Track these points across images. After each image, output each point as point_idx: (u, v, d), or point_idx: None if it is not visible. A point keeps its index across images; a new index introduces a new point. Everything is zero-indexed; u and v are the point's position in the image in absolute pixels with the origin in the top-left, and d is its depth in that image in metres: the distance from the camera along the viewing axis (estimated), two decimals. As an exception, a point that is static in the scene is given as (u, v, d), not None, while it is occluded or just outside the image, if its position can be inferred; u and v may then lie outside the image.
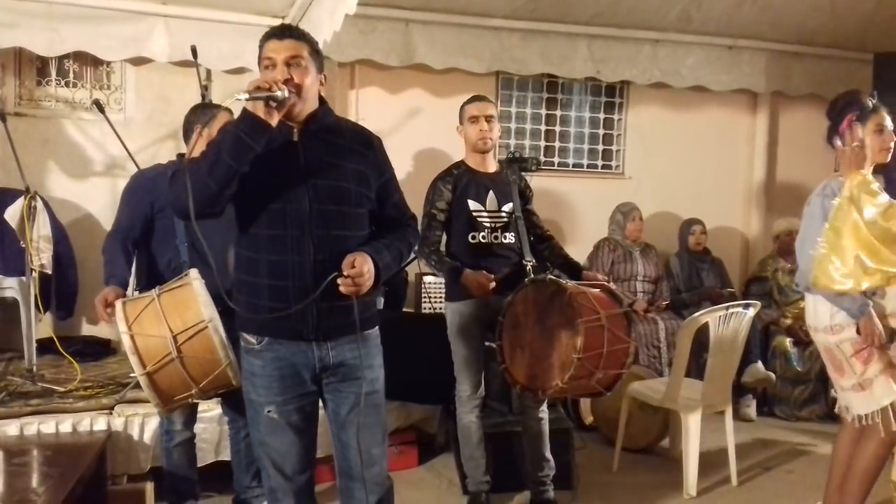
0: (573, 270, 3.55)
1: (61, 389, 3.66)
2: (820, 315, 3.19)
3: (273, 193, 2.20)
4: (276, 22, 4.65)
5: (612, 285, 3.36)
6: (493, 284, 3.31)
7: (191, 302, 2.60)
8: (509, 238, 3.51)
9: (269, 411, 2.28)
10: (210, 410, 3.51)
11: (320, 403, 2.40)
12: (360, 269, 2.16)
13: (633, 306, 4.96)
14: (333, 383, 2.34)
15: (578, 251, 5.33)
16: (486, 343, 3.47)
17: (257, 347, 2.28)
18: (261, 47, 2.25)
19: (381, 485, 2.39)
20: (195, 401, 2.86)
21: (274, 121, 2.11)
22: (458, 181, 3.50)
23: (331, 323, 2.27)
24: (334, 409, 2.37)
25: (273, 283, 2.22)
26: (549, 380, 3.08)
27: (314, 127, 2.28)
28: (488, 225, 3.49)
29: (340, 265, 2.17)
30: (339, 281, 2.16)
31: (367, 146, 2.37)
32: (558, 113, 5.92)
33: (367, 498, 2.35)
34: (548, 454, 3.57)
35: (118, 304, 2.63)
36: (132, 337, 2.52)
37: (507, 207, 3.53)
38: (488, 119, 3.49)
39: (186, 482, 3.25)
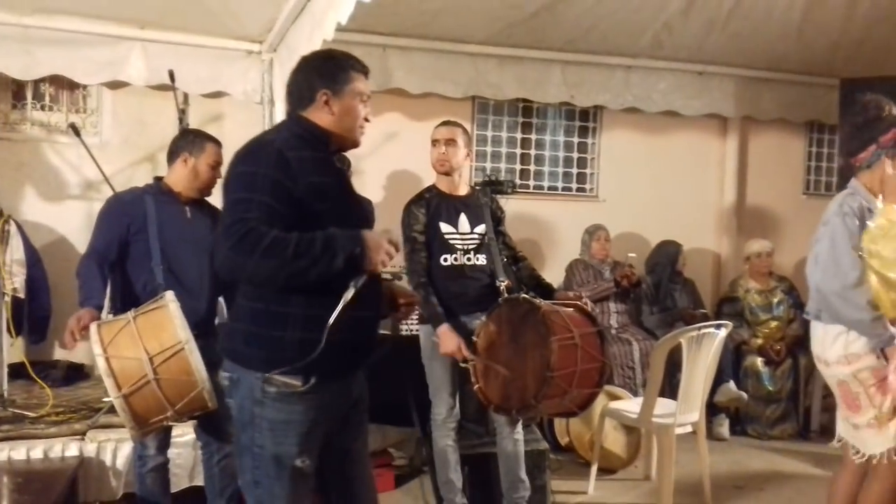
0: (545, 291, 3.58)
1: (32, 415, 3.62)
2: (832, 345, 2.94)
3: (338, 221, 2.05)
4: (254, 47, 4.70)
5: (585, 304, 3.38)
6: (463, 356, 3.28)
7: (167, 324, 2.59)
8: (482, 260, 3.54)
9: (302, 461, 2.09)
10: (184, 435, 3.48)
11: None
12: (416, 299, 2.27)
13: (619, 278, 5.06)
14: (348, 416, 2.26)
15: (553, 272, 5.39)
16: (462, 364, 3.49)
17: (301, 390, 2.06)
18: (352, 77, 2.21)
19: None
20: (171, 423, 2.84)
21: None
22: (430, 204, 3.54)
23: (370, 351, 2.26)
24: (341, 446, 2.27)
25: (350, 313, 2.00)
26: (523, 399, 3.09)
27: (337, 156, 2.30)
28: (460, 247, 3.52)
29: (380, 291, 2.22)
30: (403, 310, 2.26)
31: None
32: (533, 137, 5.99)
33: None
34: (523, 475, 3.58)
35: (93, 326, 2.62)
36: (108, 359, 2.51)
37: (480, 229, 3.57)
38: (448, 142, 3.53)
39: (160, 507, 3.22)
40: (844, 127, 5.48)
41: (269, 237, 1.91)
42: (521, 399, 3.12)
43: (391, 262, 2.07)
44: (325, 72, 2.21)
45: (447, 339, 3.31)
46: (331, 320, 1.96)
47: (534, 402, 3.03)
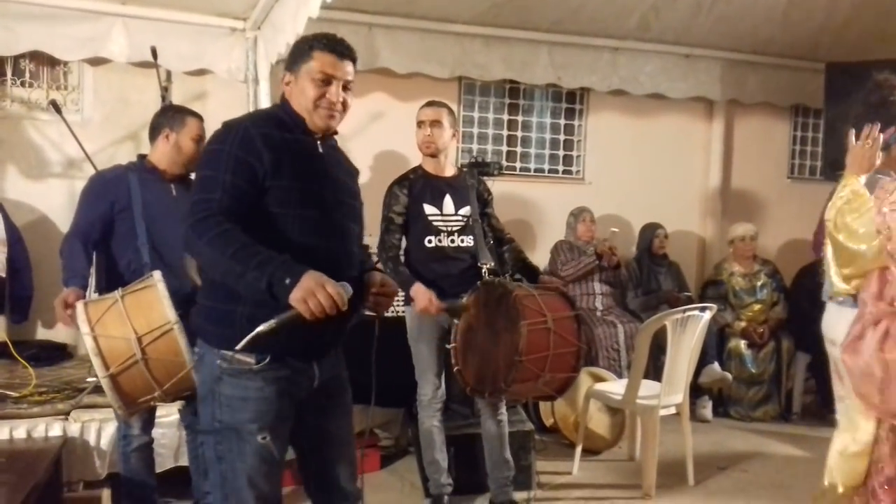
0: (531, 273, 3.59)
1: (15, 395, 3.57)
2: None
3: (304, 203, 2.09)
4: (238, 24, 4.65)
5: (566, 289, 3.38)
6: (436, 308, 3.28)
7: (156, 303, 2.58)
8: (466, 241, 3.53)
9: (263, 438, 2.09)
10: (169, 416, 3.46)
11: None
12: (395, 290, 2.21)
13: (600, 255, 5.06)
14: (319, 401, 2.25)
15: (539, 254, 5.41)
16: (447, 346, 3.50)
17: (255, 368, 2.07)
18: (312, 56, 2.15)
19: (359, 495, 2.38)
20: (158, 403, 2.82)
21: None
22: (414, 185, 3.53)
23: (334, 338, 2.24)
24: (318, 428, 2.27)
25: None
26: (495, 381, 3.10)
27: (329, 143, 2.27)
28: (444, 229, 3.51)
29: (356, 281, 2.15)
30: (372, 298, 2.20)
31: (355, 171, 2.41)
32: (520, 118, 5.97)
33: None
34: (507, 456, 3.60)
35: (80, 305, 2.60)
36: (95, 338, 2.50)
37: (465, 211, 3.56)
38: (433, 124, 3.51)
39: (144, 487, 3.21)
40: (831, 110, 5.50)
41: (220, 230, 1.95)
42: (493, 382, 3.13)
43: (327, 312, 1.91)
44: (291, 53, 2.23)
45: (419, 296, 3.31)
46: (238, 346, 1.98)
47: (503, 385, 3.04)
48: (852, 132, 2.95)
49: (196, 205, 2.02)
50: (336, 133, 2.30)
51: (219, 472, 2.15)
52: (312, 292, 1.87)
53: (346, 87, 2.18)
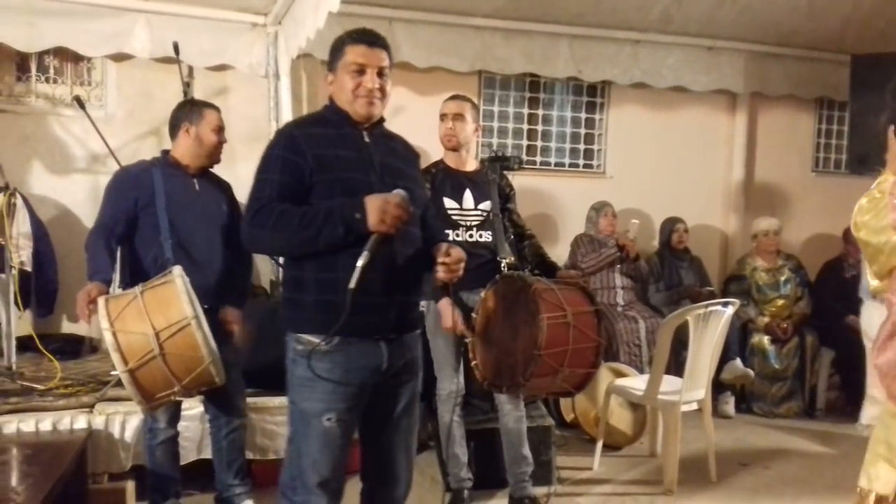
0: (549, 269, 3.57)
1: (41, 387, 3.63)
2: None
3: (350, 192, 2.17)
4: (259, 19, 4.67)
5: (586, 284, 3.35)
6: (460, 328, 3.21)
7: (173, 299, 2.59)
8: (485, 236, 3.51)
9: (328, 419, 2.18)
10: (192, 408, 3.49)
11: None
12: (460, 256, 2.23)
13: (622, 247, 4.96)
14: (391, 384, 2.31)
15: (560, 249, 5.39)
16: (466, 340, 3.49)
17: (324, 348, 2.17)
18: (345, 51, 2.26)
19: (411, 484, 2.45)
20: (178, 398, 2.85)
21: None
22: (435, 179, 3.52)
23: (405, 318, 2.30)
24: (384, 412, 2.33)
25: (367, 276, 2.12)
26: (513, 376, 3.09)
27: (378, 131, 2.35)
28: (463, 223, 3.50)
29: (417, 260, 2.26)
30: (439, 267, 2.22)
31: (414, 155, 2.51)
32: (540, 112, 5.94)
33: (400, 498, 2.41)
34: (526, 451, 3.58)
35: (101, 300, 2.62)
36: (114, 334, 2.51)
37: (484, 206, 3.54)
38: (455, 117, 3.51)
39: (169, 480, 3.24)
40: (856, 102, 5.41)
41: (277, 212, 2.12)
42: (511, 376, 3.12)
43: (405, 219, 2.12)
44: (329, 54, 2.34)
45: (446, 314, 3.31)
46: (351, 284, 2.06)
47: (522, 380, 3.02)
48: (891, 128, 2.88)
49: (250, 205, 2.18)
50: (383, 120, 2.38)
51: (291, 452, 2.28)
52: (383, 211, 2.06)
53: (381, 74, 2.27)
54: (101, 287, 2.79)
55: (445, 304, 3.32)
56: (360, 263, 2.05)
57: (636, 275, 5.40)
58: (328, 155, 2.20)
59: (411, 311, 2.35)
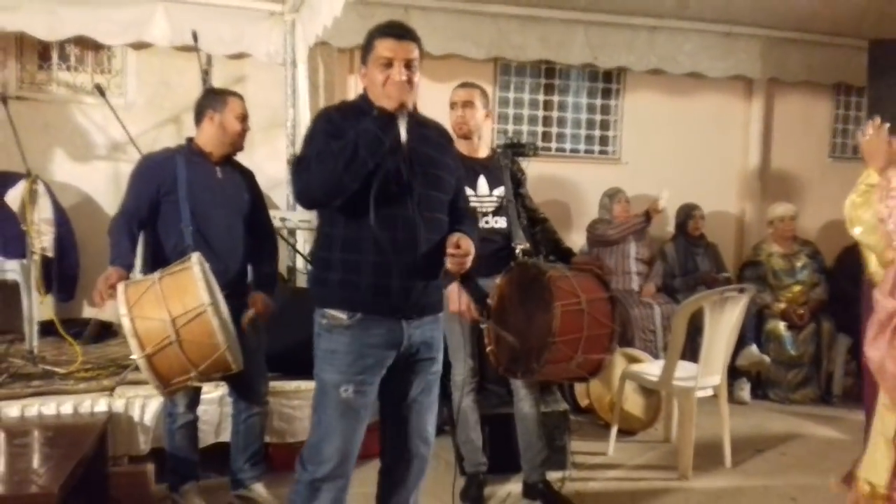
0: (564, 255, 3.57)
1: (62, 371, 3.69)
2: None
3: (385, 180, 2.26)
4: (277, 7, 4.69)
5: (600, 269, 3.34)
6: (472, 317, 3.18)
7: (190, 286, 2.61)
8: (500, 223, 3.52)
9: (344, 390, 2.30)
10: (211, 392, 3.53)
11: None
12: (468, 249, 2.31)
13: (649, 216, 5.09)
14: (410, 363, 2.42)
15: (575, 235, 5.40)
16: (481, 325, 3.51)
17: (347, 323, 2.31)
18: (374, 45, 2.33)
19: (428, 461, 2.53)
20: (195, 384, 2.87)
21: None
22: None
23: (425, 301, 2.39)
24: (402, 390, 2.45)
25: (379, 259, 2.27)
26: (528, 362, 3.10)
27: (409, 119, 2.36)
28: (478, 210, 3.50)
29: (442, 245, 2.33)
30: (448, 259, 2.30)
31: (448, 140, 2.58)
32: (556, 98, 5.94)
33: (415, 474, 2.51)
34: (540, 437, 3.59)
35: (120, 286, 2.65)
36: (132, 320, 2.54)
37: (499, 192, 3.55)
38: (465, 105, 3.50)
39: (188, 463, 3.29)
40: (874, 88, 5.36)
41: (315, 159, 2.24)
42: (525, 362, 3.13)
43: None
44: (361, 50, 2.42)
45: (453, 299, 3.32)
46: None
47: (536, 366, 3.03)
48: (871, 122, 2.88)
49: (293, 167, 2.38)
50: (415, 110, 2.42)
51: (313, 422, 2.39)
52: (392, 95, 2.24)
53: (409, 66, 2.32)
54: (122, 272, 2.82)
55: (453, 289, 3.33)
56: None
57: (651, 257, 5.40)
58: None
59: (434, 295, 2.43)
